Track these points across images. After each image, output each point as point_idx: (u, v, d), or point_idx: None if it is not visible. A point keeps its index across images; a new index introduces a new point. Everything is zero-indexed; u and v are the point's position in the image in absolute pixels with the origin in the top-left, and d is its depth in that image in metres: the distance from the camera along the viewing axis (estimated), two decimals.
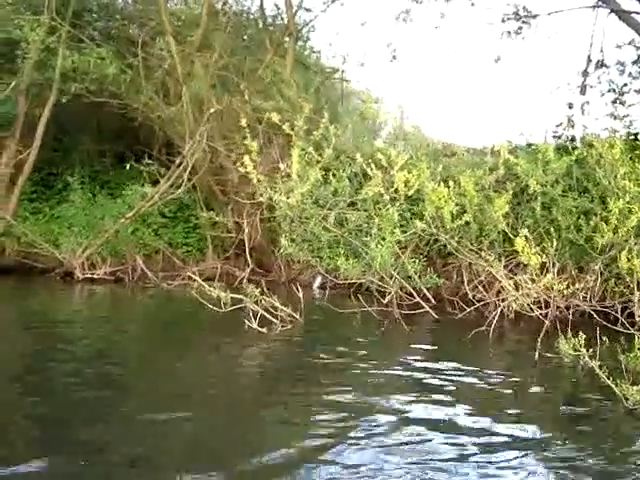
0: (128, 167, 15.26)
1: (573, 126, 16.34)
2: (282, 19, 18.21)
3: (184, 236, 17.86)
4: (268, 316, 9.83)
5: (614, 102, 16.48)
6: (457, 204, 9.90)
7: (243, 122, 10.55)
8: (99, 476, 4.31)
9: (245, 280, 14.67)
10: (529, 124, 19.46)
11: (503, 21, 17.70)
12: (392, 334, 10.08)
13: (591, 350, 6.74)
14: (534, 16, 17.43)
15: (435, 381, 7.07)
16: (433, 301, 11.29)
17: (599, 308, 10.23)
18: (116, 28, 17.56)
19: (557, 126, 16.22)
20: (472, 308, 10.38)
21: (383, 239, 9.95)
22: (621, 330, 8.91)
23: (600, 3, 15.96)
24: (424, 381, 7.09)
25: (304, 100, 13.11)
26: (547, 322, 9.82)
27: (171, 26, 15.85)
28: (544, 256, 9.06)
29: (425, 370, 7.56)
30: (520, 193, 10.73)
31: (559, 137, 15.86)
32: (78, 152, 19.83)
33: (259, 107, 14.29)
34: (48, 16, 15.49)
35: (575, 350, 7.02)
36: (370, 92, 21.22)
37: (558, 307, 10.12)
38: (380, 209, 10.49)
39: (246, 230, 15.52)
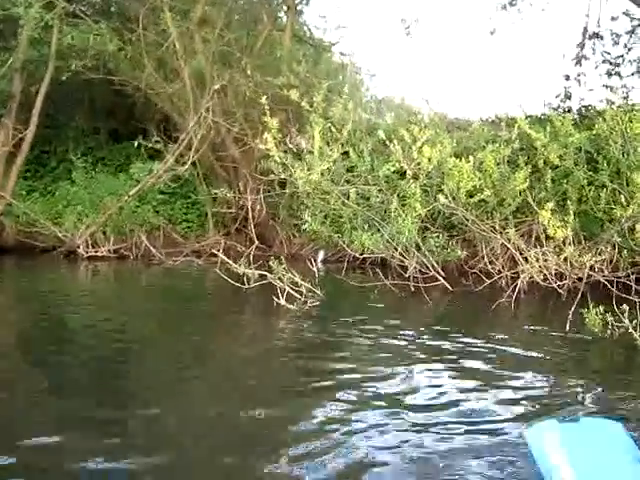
0: (136, 144, 15.01)
1: (570, 97, 16.49)
2: None
3: (183, 212, 17.89)
4: (292, 292, 9.88)
5: (609, 74, 16.61)
6: (479, 179, 10.03)
7: (263, 99, 10.51)
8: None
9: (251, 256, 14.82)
10: (525, 96, 19.58)
11: None
12: (413, 306, 10.28)
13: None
14: None
15: (471, 352, 7.25)
16: (442, 274, 11.38)
17: (612, 278, 10.38)
18: (114, 3, 17.34)
19: (555, 97, 16.33)
20: (492, 280, 10.53)
21: (405, 215, 10.07)
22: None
23: None
24: (462, 352, 7.26)
25: (313, 76, 13.11)
26: (564, 293, 10.10)
27: (168, 1, 15.67)
28: (564, 229, 9.21)
29: (456, 341, 7.71)
30: (534, 166, 10.81)
31: (556, 108, 15.97)
32: (71, 129, 19.72)
33: (270, 83, 14.21)
34: None
35: (605, 321, 7.25)
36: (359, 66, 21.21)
37: (572, 278, 10.31)
38: (401, 185, 10.65)
39: (250, 206, 15.47)
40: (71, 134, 19.67)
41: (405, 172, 10.45)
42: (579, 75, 16.80)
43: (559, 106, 16.17)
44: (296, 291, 10.02)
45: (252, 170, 16.43)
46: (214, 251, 12.55)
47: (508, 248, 10.82)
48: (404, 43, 33.14)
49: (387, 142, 9.95)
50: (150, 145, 14.94)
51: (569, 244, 9.38)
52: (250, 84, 14.93)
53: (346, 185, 10.96)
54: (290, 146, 11.10)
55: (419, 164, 9.84)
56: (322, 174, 9.99)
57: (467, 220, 10.88)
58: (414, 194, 9.96)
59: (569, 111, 15.74)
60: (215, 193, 16.86)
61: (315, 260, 15.88)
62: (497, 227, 10.85)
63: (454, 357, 7.02)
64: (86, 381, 6.17)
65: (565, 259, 9.55)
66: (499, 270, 10.66)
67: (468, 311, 10.17)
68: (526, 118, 11.64)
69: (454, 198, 10.27)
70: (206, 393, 5.86)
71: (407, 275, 10.68)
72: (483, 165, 10.17)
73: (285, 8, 16.81)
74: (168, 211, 17.69)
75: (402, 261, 10.94)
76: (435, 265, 11.13)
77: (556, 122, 10.64)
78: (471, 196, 10.28)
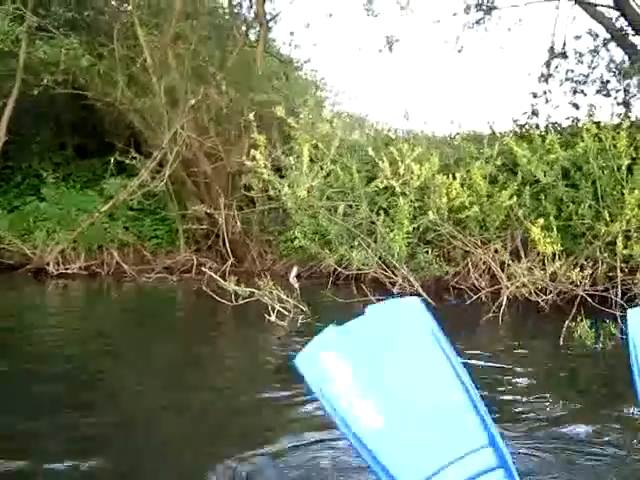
0: (112, 160, 14.86)
1: (537, 114, 16.83)
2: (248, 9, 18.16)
3: (153, 229, 17.66)
4: (280, 308, 9.84)
5: (574, 92, 17.01)
6: (467, 195, 10.16)
7: (251, 116, 10.54)
8: None
9: (227, 272, 14.78)
10: (492, 113, 19.97)
11: (466, 12, 18.02)
12: None
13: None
14: (495, 8, 17.83)
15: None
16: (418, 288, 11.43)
17: (592, 292, 10.56)
18: (83, 18, 17.16)
19: (523, 114, 16.65)
20: (479, 295, 10.65)
21: (392, 230, 10.17)
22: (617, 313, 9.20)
23: None
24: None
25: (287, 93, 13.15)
26: (547, 307, 10.29)
27: (141, 16, 15.59)
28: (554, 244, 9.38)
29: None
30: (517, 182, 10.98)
31: (523, 126, 16.28)
32: (36, 144, 19.36)
33: (244, 99, 14.24)
34: (13, 5, 15.03)
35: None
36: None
37: (554, 293, 10.49)
38: (390, 201, 10.76)
39: (223, 222, 15.42)
40: (36, 149, 19.34)
41: (390, 188, 10.51)
42: (545, 92, 17.18)
43: (526, 123, 16.46)
44: (283, 307, 9.99)
45: (224, 186, 16.40)
46: (204, 268, 12.45)
47: (492, 263, 10.95)
48: (371, 61, 33.30)
49: (376, 159, 9.97)
50: (126, 161, 14.73)
51: (557, 259, 9.51)
52: (225, 100, 14.89)
53: (333, 202, 10.96)
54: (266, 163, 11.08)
55: (407, 181, 9.90)
56: (309, 190, 9.97)
57: (452, 236, 10.99)
58: (402, 210, 10.02)
59: (537, 127, 16.07)
60: (185, 209, 16.90)
61: (289, 276, 15.99)
62: (480, 243, 10.99)
63: None
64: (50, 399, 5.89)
65: (553, 273, 9.69)
66: (483, 285, 10.76)
67: (454, 326, 10.22)
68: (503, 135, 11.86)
69: (440, 214, 10.36)
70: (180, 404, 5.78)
71: (395, 291, 10.73)
72: (470, 181, 10.29)
73: (257, 25, 16.80)
74: (137, 227, 17.45)
75: (390, 277, 10.98)
76: (415, 281, 11.21)
77: (537, 139, 10.81)
78: (457, 212, 10.39)
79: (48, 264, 15.60)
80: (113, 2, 18.31)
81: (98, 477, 4.14)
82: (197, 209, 14.33)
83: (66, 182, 18.15)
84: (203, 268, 12.61)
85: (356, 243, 10.71)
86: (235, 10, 17.82)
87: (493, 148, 11.03)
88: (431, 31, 28.88)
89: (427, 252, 10.73)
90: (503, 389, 6.41)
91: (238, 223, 15.69)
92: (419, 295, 10.89)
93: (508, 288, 10.28)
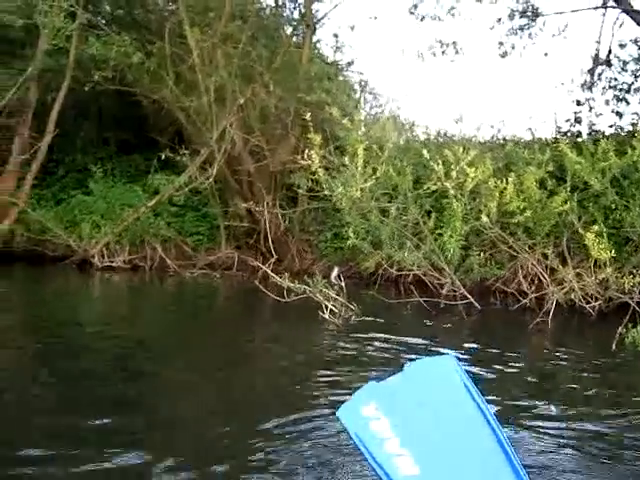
0: (163, 157, 15.12)
1: (580, 122, 16.82)
2: (293, 10, 18.35)
3: (194, 225, 17.85)
4: (331, 306, 10.01)
5: (619, 100, 16.98)
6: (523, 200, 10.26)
7: (307, 116, 10.70)
8: None
9: (270, 270, 14.99)
10: (532, 119, 19.97)
11: (510, 18, 18.05)
12: (449, 324, 10.42)
13: None
14: (540, 14, 17.85)
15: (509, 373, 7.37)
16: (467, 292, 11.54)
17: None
18: (133, 16, 17.44)
19: (565, 121, 16.64)
20: (526, 300, 10.74)
21: (449, 233, 10.29)
22: None
23: (612, 3, 16.47)
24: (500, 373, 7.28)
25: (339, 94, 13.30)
26: (593, 313, 10.37)
27: (190, 15, 15.81)
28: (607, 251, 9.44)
29: (493, 360, 7.71)
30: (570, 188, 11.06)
31: (565, 133, 16.33)
32: (79, 139, 19.66)
33: (302, 100, 14.43)
34: (66, 2, 15.31)
35: None
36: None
37: (600, 298, 10.56)
38: (441, 203, 10.93)
39: (267, 220, 15.60)
40: (79, 144, 19.64)
41: (440, 190, 10.64)
42: (588, 100, 17.17)
43: (569, 130, 16.50)
44: (333, 306, 10.15)
45: (267, 185, 16.60)
46: (259, 264, 12.65)
47: (538, 268, 11.04)
48: (414, 64, 33.31)
49: (430, 161, 10.10)
50: (171, 157, 14.95)
51: (608, 266, 9.59)
52: (272, 99, 15.08)
53: (384, 202, 11.12)
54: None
55: (462, 184, 10.02)
56: (362, 191, 10.13)
57: (500, 240, 11.10)
58: (456, 213, 10.14)
59: (579, 135, 16.15)
60: (227, 206, 17.10)
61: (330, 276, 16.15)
62: (527, 248, 11.09)
63: (490, 377, 7.02)
64: (98, 391, 6.05)
65: (604, 280, 9.77)
66: (530, 290, 10.85)
67: (502, 330, 10.35)
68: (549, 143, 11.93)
69: (490, 218, 10.47)
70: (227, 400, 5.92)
71: (444, 292, 10.87)
72: (523, 186, 10.39)
73: (304, 26, 16.97)
74: (179, 223, 17.66)
75: (439, 279, 11.12)
76: (462, 284, 11.32)
77: (590, 147, 10.88)
78: (508, 216, 10.50)
79: (93, 256, 15.87)
80: (159, 1, 18.62)
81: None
82: (245, 206, 14.51)
83: (111, 176, 18.37)
84: (258, 264, 12.76)
85: (409, 244, 10.84)
86: (281, 11, 17.94)
87: (544, 154, 11.11)
88: (475, 36, 28.78)
89: (479, 255, 10.82)
90: (565, 394, 6.56)
91: (281, 221, 15.82)
92: (465, 297, 11.06)
93: (556, 293, 10.36)
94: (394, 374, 3.35)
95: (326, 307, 9.78)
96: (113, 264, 15.87)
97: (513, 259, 11.50)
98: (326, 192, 10.46)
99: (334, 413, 3.26)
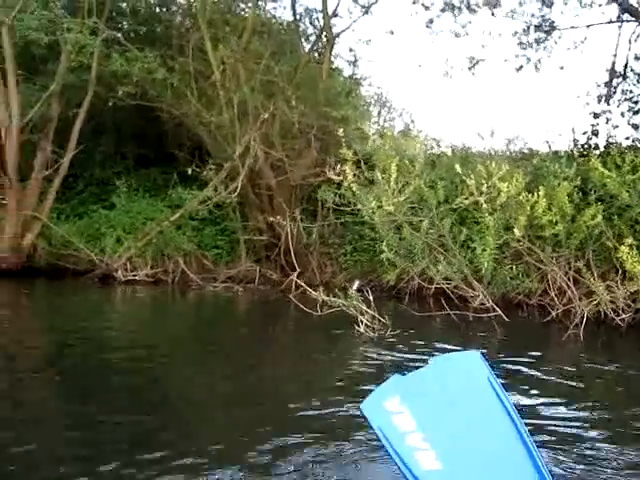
0: (189, 171, 15.31)
1: (597, 134, 16.97)
2: (312, 25, 18.54)
3: (213, 239, 17.95)
4: (365, 320, 10.10)
5: (635, 112, 17.14)
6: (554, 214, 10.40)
7: (340, 132, 10.90)
8: None
9: (293, 283, 15.14)
10: (547, 131, 20.03)
11: (525, 32, 18.24)
12: (478, 335, 10.52)
13: None
14: (555, 29, 18.04)
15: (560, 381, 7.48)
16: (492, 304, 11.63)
17: None
18: (154, 32, 17.65)
19: (583, 134, 16.78)
20: (556, 312, 10.84)
21: (482, 246, 10.43)
22: None
23: (628, 17, 16.66)
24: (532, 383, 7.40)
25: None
26: (623, 326, 10.48)
27: (211, 31, 16.00)
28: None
29: (526, 371, 7.87)
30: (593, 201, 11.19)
31: (582, 145, 16.47)
32: (98, 153, 19.81)
33: (327, 115, 14.61)
34: (90, 19, 15.53)
35: None
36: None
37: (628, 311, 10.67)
38: (473, 217, 11.08)
39: (287, 233, 15.73)
40: (98, 158, 19.80)
41: (472, 204, 10.78)
42: (605, 112, 17.32)
43: (586, 142, 16.64)
44: (369, 319, 10.24)
45: (287, 198, 16.74)
46: (295, 279, 12.78)
47: (566, 281, 11.16)
48: (428, 79, 33.51)
49: (463, 176, 10.24)
50: (189, 171, 15.13)
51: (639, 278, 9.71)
52: (294, 114, 15.24)
53: (416, 216, 11.26)
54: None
55: (494, 198, 10.16)
56: (395, 205, 10.27)
57: (529, 253, 11.22)
58: (488, 227, 10.27)
59: (596, 148, 16.30)
60: (247, 220, 17.24)
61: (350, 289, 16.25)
62: (555, 261, 11.22)
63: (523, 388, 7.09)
64: (123, 405, 6.20)
65: (634, 292, 9.89)
66: (564, 302, 10.95)
67: (532, 342, 10.41)
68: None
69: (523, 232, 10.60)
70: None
71: (475, 305, 10.98)
72: (554, 200, 10.51)
73: (323, 40, 17.16)
74: (199, 237, 17.77)
75: (467, 291, 11.24)
76: (489, 297, 11.43)
77: (617, 159, 11.01)
78: (538, 230, 10.64)
79: (116, 270, 15.99)
80: (179, 17, 18.84)
81: None
82: (271, 220, 14.66)
83: (132, 191, 18.51)
84: (296, 280, 12.93)
85: (442, 258, 10.97)
86: (299, 26, 18.12)
87: (570, 167, 11.25)
88: (490, 50, 29.01)
89: (510, 268, 10.94)
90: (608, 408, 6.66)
91: (303, 235, 15.95)
92: (493, 310, 11.17)
93: (585, 306, 10.46)
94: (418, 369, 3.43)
95: (361, 320, 9.84)
96: (136, 277, 15.96)
97: (539, 271, 11.57)
98: (359, 206, 10.55)
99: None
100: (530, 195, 10.28)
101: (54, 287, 16.03)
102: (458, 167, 10.39)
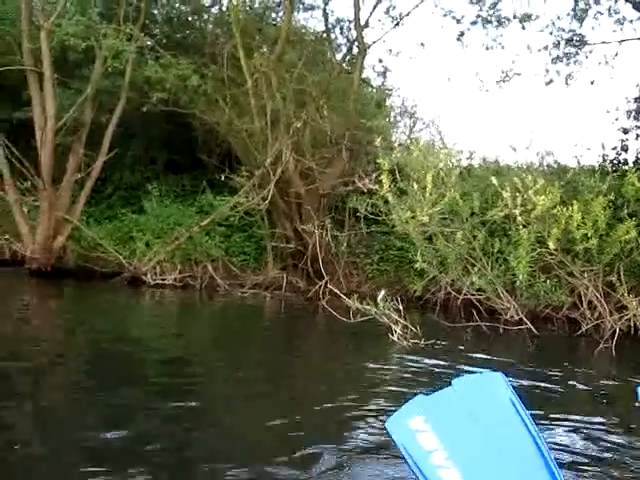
0: (222, 177, 15.49)
1: (626, 150, 16.98)
2: (342, 35, 18.69)
3: (240, 245, 18.07)
4: (399, 329, 10.19)
5: None
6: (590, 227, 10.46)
7: (377, 141, 10.96)
8: None
9: (321, 292, 15.28)
10: (577, 147, 20.01)
11: (556, 46, 18.31)
12: (509, 348, 10.59)
13: None
14: (586, 43, 18.09)
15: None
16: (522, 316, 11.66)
17: None
18: (187, 39, 17.88)
19: (612, 149, 16.80)
20: (589, 325, 10.89)
21: (516, 258, 10.51)
22: None
23: None
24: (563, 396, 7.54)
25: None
26: None
27: (245, 40, 16.17)
28: None
29: (555, 384, 7.97)
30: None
31: (612, 161, 16.50)
32: (127, 157, 20.02)
33: (358, 125, 14.75)
34: (126, 25, 15.74)
35: None
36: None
37: None
38: (505, 229, 11.17)
39: (317, 242, 15.84)
40: (128, 162, 20.01)
41: (506, 216, 10.86)
42: (635, 128, 17.34)
43: (615, 158, 16.68)
44: (403, 328, 10.34)
45: (316, 207, 16.84)
46: (325, 286, 12.91)
47: (600, 295, 11.20)
48: (461, 91, 33.52)
49: (499, 188, 10.32)
50: (235, 178, 15.29)
51: None
52: (326, 123, 15.37)
53: (450, 227, 11.35)
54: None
55: (530, 210, 10.24)
56: (430, 216, 10.37)
57: (561, 266, 11.27)
58: (524, 239, 10.36)
59: (625, 163, 16.33)
60: (274, 228, 17.37)
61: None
62: (586, 275, 11.28)
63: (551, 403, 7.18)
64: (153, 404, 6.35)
65: None
66: (596, 316, 10.99)
67: (564, 355, 10.46)
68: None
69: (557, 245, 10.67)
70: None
71: (507, 317, 11.04)
72: (589, 214, 10.57)
73: (355, 50, 17.30)
74: (226, 243, 17.89)
75: (499, 303, 11.30)
76: (520, 309, 11.49)
77: None
78: (572, 244, 10.71)
79: (145, 274, 16.14)
80: (211, 26, 19.05)
81: None
82: (303, 228, 14.83)
83: (162, 196, 18.70)
84: (333, 288, 13.08)
85: (476, 269, 11.05)
86: (332, 36, 18.28)
87: (604, 182, 11.31)
88: (522, 63, 29.08)
89: (545, 281, 10.99)
90: None
91: (332, 244, 16.05)
92: (524, 323, 11.22)
93: (618, 321, 10.51)
94: (443, 388, 3.50)
95: (394, 330, 9.94)
96: (165, 281, 16.10)
97: (569, 285, 11.61)
98: (393, 216, 10.65)
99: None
100: (565, 209, 10.33)
101: (84, 288, 16.18)
102: (494, 179, 10.48)
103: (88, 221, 18.58)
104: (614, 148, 16.96)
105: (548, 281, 10.95)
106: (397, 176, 11.18)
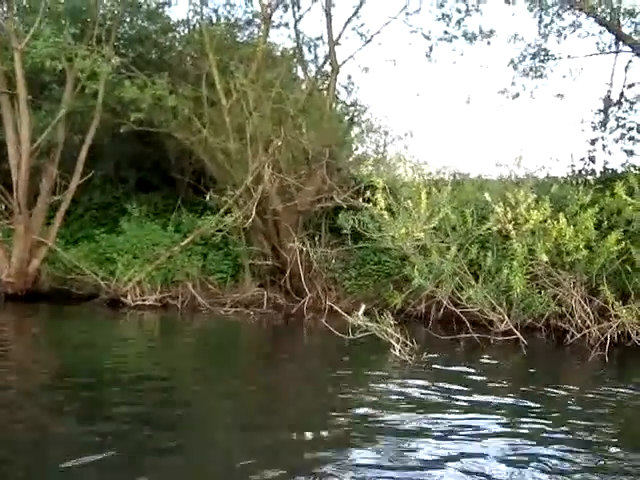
0: (208, 198, 15.48)
1: (594, 161, 17.50)
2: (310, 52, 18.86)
3: (217, 263, 18.03)
4: (399, 345, 10.33)
5: (630, 139, 17.66)
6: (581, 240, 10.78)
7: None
8: None
9: (305, 308, 15.43)
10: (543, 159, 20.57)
11: (520, 60, 18.78)
12: (500, 359, 10.81)
13: None
14: (551, 57, 18.58)
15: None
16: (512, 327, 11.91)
17: None
18: (164, 60, 17.88)
19: (580, 160, 17.30)
20: (577, 335, 11.20)
21: (511, 271, 10.77)
22: None
23: (622, 47, 17.26)
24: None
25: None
26: None
27: (217, 59, 16.27)
28: None
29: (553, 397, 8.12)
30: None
31: (580, 171, 16.99)
32: (97, 178, 19.84)
33: (333, 141, 14.97)
34: (101, 46, 15.69)
35: None
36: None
37: None
38: (503, 243, 11.47)
39: (296, 259, 15.96)
40: (97, 183, 19.86)
41: (500, 230, 11.13)
42: (601, 139, 17.87)
43: (583, 168, 17.17)
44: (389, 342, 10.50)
45: (293, 224, 16.95)
46: (332, 305, 13.04)
47: (588, 305, 11.53)
48: (429, 105, 33.97)
49: (492, 203, 10.58)
50: (215, 197, 15.32)
51: None
52: (304, 141, 15.52)
53: (444, 242, 11.57)
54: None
55: (521, 224, 10.51)
56: (426, 232, 10.58)
57: (551, 278, 11.57)
58: (517, 253, 10.62)
59: (592, 174, 16.83)
60: (250, 245, 17.42)
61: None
62: (576, 284, 11.60)
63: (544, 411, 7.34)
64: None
65: None
66: (586, 325, 11.30)
67: (553, 365, 10.71)
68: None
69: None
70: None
71: (500, 329, 11.29)
72: (578, 226, 10.89)
73: (329, 68, 17.49)
74: (202, 262, 17.84)
75: (494, 315, 11.55)
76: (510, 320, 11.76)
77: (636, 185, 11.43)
78: (562, 255, 11.02)
79: (125, 295, 16.03)
80: (180, 45, 19.09)
81: None
82: (282, 245, 14.91)
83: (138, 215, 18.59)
84: (331, 304, 13.17)
85: (477, 283, 11.29)
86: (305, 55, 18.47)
87: (587, 194, 11.65)
88: (484, 77, 29.59)
89: (539, 293, 11.28)
90: None
91: (312, 259, 16.17)
92: (513, 333, 11.48)
93: (608, 329, 10.84)
94: None
95: (395, 345, 10.09)
96: (146, 302, 16.02)
97: (558, 296, 11.90)
98: (385, 233, 10.84)
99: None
100: (555, 222, 10.63)
101: (62, 312, 15.89)
102: (487, 195, 10.73)
103: (60, 243, 18.35)
104: (582, 159, 17.47)
105: (542, 292, 11.24)
106: (388, 193, 11.36)
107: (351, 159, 11.76)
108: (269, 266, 17.54)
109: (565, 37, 18.09)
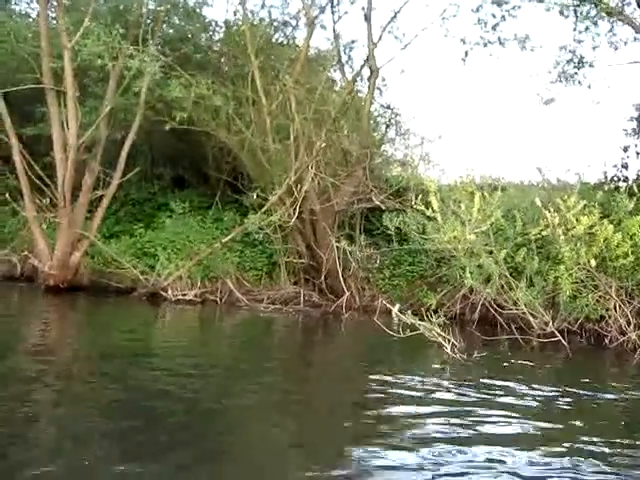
0: (255, 196, 15.79)
1: (627, 167, 17.67)
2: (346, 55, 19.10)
3: (253, 260, 18.31)
4: (447, 344, 10.63)
5: None
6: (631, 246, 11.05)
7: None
8: None
9: (344, 308, 15.72)
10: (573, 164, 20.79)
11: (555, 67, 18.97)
12: (544, 361, 11.08)
13: None
14: (585, 64, 18.77)
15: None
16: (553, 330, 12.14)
17: None
18: (209, 60, 18.19)
19: (613, 167, 17.47)
20: (621, 340, 11.46)
21: (560, 275, 11.05)
22: None
23: None
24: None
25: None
26: None
27: (260, 60, 16.55)
28: None
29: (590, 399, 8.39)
30: None
31: (612, 178, 17.19)
32: (134, 174, 20.13)
33: (372, 143, 15.22)
34: (146, 46, 15.95)
35: None
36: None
37: None
38: (543, 247, 11.75)
39: (335, 257, 16.25)
40: (133, 179, 20.14)
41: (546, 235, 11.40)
42: (634, 146, 18.04)
43: (615, 175, 17.36)
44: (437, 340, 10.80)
45: (330, 223, 17.23)
46: (387, 304, 13.32)
47: (625, 309, 11.78)
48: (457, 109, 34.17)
49: (543, 209, 10.86)
50: (262, 197, 15.62)
51: None
52: (346, 142, 15.80)
53: (492, 246, 11.85)
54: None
55: (570, 229, 10.79)
56: (477, 235, 10.86)
57: (597, 282, 11.82)
58: (566, 257, 10.90)
59: (625, 180, 17.02)
60: (286, 243, 17.71)
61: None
62: (619, 290, 11.86)
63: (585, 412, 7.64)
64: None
65: None
66: (630, 330, 11.55)
67: (595, 368, 10.95)
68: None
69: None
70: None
71: (548, 330, 11.56)
72: (625, 232, 11.15)
73: (368, 71, 17.74)
74: (238, 259, 18.11)
75: (540, 317, 11.81)
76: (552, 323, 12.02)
77: None
78: (610, 260, 11.29)
79: (165, 289, 16.34)
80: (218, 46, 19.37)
81: None
82: (332, 244, 15.25)
83: (170, 211, 18.90)
84: (385, 303, 13.45)
85: (521, 284, 11.56)
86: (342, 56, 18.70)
87: (631, 201, 11.91)
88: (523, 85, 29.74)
89: (586, 297, 11.54)
90: None
91: (350, 259, 16.45)
92: (554, 335, 11.75)
93: None
94: None
95: (445, 344, 10.39)
96: (186, 297, 16.30)
97: (603, 300, 12.14)
98: (434, 234, 11.13)
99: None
100: (603, 227, 10.90)
101: (101, 304, 16.20)
102: (538, 200, 11.01)
103: (97, 237, 18.66)
104: (615, 165, 17.65)
105: (590, 296, 11.50)
106: (437, 197, 11.62)
107: (379, 160, 11.87)
108: (304, 264, 17.81)
109: (600, 45, 18.25)
